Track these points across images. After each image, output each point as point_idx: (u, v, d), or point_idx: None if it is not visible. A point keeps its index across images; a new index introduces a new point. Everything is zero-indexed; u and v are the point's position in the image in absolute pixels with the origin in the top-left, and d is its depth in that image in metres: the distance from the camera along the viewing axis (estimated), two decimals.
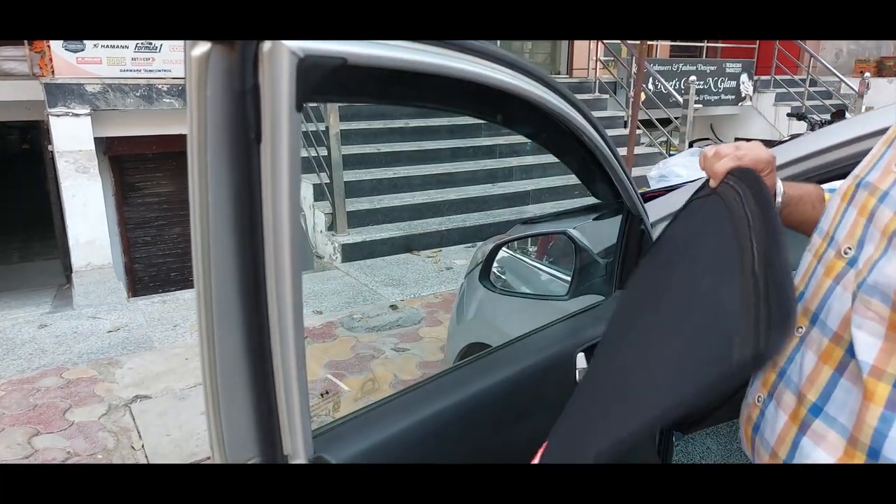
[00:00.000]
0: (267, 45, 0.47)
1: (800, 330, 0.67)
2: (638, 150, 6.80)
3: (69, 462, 2.31)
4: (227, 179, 0.51)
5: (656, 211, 1.36)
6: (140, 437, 2.49)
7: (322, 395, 2.74)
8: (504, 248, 1.97)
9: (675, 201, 1.37)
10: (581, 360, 1.05)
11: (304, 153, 5.14)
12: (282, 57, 0.48)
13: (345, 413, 0.82)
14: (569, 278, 1.46)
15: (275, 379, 0.63)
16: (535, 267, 1.93)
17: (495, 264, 1.96)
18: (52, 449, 2.39)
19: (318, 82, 0.51)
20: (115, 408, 2.70)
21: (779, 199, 0.83)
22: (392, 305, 3.87)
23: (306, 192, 5.17)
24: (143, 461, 2.35)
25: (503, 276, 1.98)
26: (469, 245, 5.01)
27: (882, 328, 0.57)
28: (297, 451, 0.67)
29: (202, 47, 0.46)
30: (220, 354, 0.60)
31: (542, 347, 1.04)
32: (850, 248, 0.63)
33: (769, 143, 1.09)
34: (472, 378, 0.89)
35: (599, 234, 1.36)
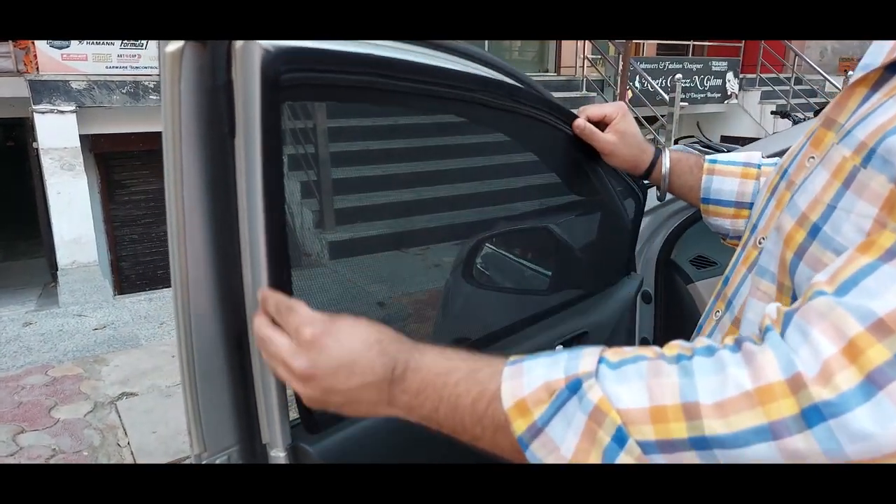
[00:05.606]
0: (239, 43, 0.49)
1: (717, 314, 0.71)
2: None
3: (54, 459, 2.31)
4: (201, 172, 0.53)
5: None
6: (126, 434, 2.49)
7: None
8: (488, 245, 1.98)
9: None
10: None
11: (291, 150, 5.13)
12: (253, 55, 0.49)
13: None
14: (550, 273, 1.48)
15: (252, 369, 0.64)
16: (519, 262, 1.96)
17: (479, 260, 1.98)
18: (37, 446, 2.38)
19: None
20: (101, 405, 2.69)
21: (664, 169, 0.93)
22: (379, 302, 3.88)
23: (293, 188, 5.16)
24: (128, 458, 2.35)
25: (486, 272, 2.00)
26: (458, 242, 5.02)
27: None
28: (276, 440, 0.68)
29: (176, 44, 0.47)
30: (197, 347, 0.61)
31: (521, 340, 1.06)
32: (764, 238, 0.65)
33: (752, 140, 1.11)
34: None
35: (580, 229, 1.38)
